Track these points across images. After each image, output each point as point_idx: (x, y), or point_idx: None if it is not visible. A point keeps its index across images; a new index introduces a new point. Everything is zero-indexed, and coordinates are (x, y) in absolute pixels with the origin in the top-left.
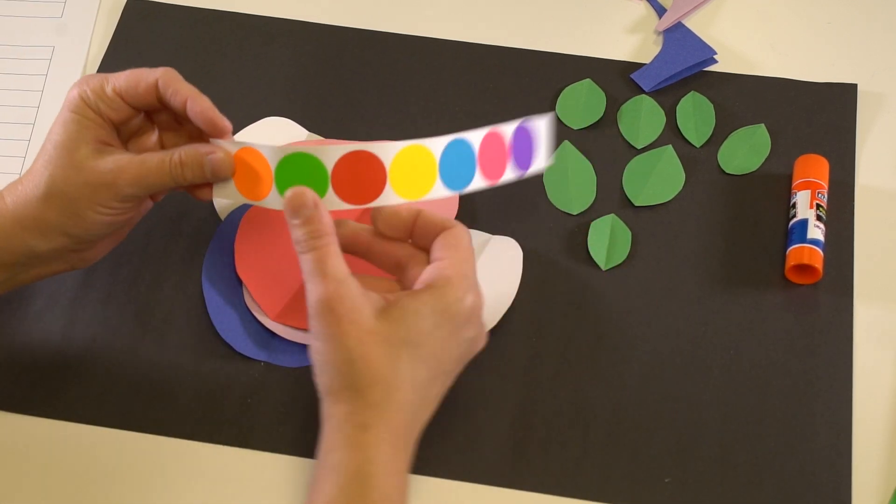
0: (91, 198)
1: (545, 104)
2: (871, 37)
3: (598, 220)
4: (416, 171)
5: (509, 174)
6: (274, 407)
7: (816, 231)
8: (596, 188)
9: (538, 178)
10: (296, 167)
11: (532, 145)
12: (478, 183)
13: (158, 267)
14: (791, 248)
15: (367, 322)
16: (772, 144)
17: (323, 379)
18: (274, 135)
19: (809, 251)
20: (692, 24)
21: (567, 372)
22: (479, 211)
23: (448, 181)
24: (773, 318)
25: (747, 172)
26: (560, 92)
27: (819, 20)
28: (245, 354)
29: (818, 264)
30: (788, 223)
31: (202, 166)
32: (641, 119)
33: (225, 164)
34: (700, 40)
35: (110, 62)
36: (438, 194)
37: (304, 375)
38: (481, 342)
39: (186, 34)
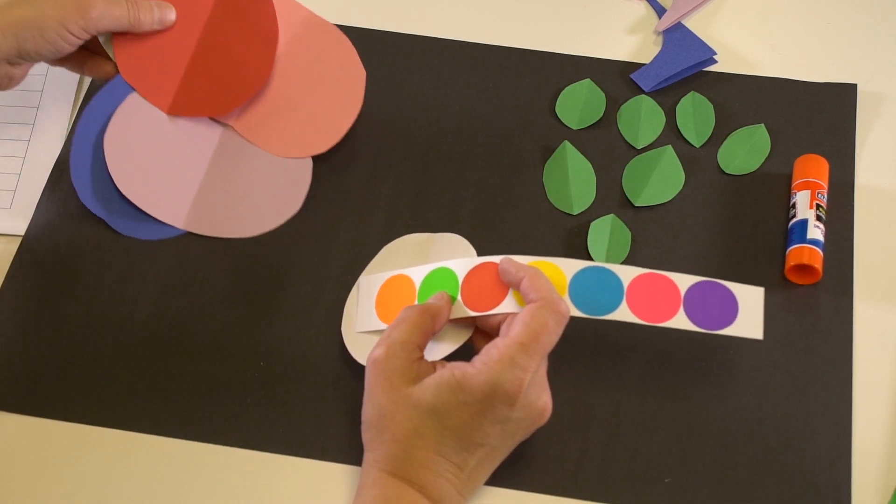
0: (59, 17)
1: (545, 104)
2: (871, 37)
3: (598, 220)
4: None
5: (681, 323)
6: (274, 407)
7: (816, 231)
8: (596, 188)
9: (538, 178)
10: (436, 280)
11: (726, 307)
12: (625, 315)
13: (158, 266)
14: (791, 248)
15: (402, 385)
16: (772, 144)
17: (363, 429)
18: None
19: (809, 251)
20: (692, 24)
21: (567, 372)
22: (478, 211)
23: (580, 304)
24: (773, 318)
25: (747, 172)
26: (560, 92)
27: (819, 20)
28: (85, 205)
29: (818, 264)
30: (788, 223)
31: (151, 10)
32: (641, 119)
33: (168, 16)
34: (700, 40)
35: None
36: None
37: (304, 376)
38: (535, 420)
39: None
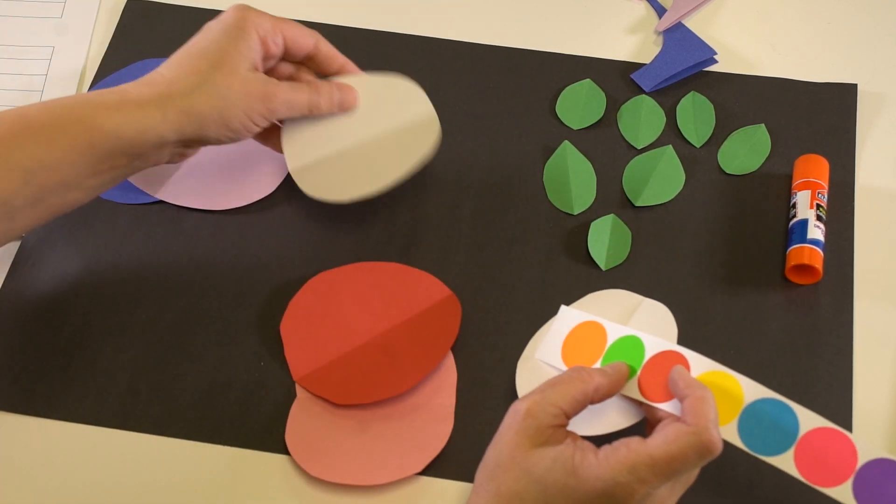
0: (245, 106)
1: (545, 104)
2: (871, 37)
3: (598, 220)
4: (716, 398)
5: (842, 497)
6: (274, 407)
7: (816, 231)
8: (596, 188)
9: (538, 178)
10: (625, 347)
11: None
12: (786, 465)
13: (158, 267)
14: (791, 248)
15: (527, 446)
16: (772, 144)
17: (479, 467)
18: (399, 98)
19: (809, 251)
20: (692, 24)
21: None
22: (478, 211)
23: (746, 434)
24: (773, 318)
25: (747, 172)
26: (560, 92)
27: (819, 20)
28: None
29: (818, 264)
30: (788, 223)
31: (332, 101)
32: (641, 119)
33: (351, 99)
34: (700, 40)
35: (110, 62)
36: (728, 437)
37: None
38: None
39: (186, 34)
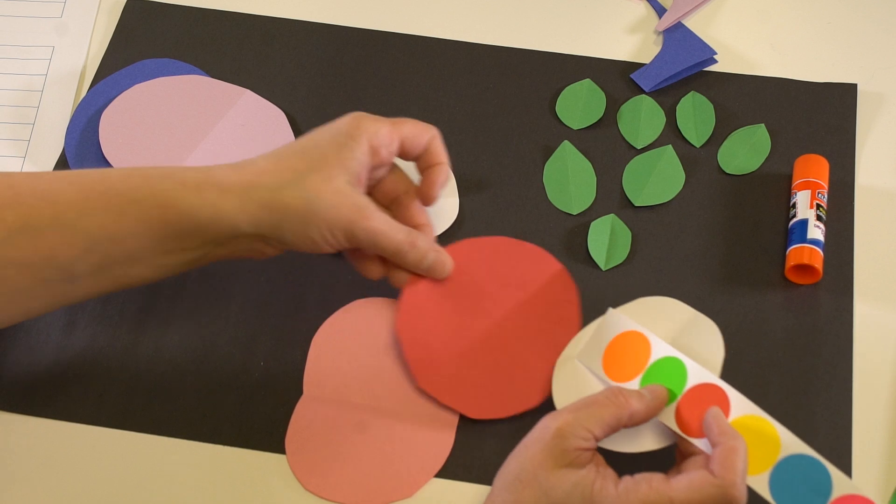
0: (327, 217)
1: (545, 104)
2: (871, 37)
3: (598, 220)
4: (752, 446)
5: None
6: (274, 407)
7: (816, 231)
8: (596, 188)
9: (538, 178)
10: (667, 369)
11: None
12: None
13: None
14: (791, 248)
15: (551, 466)
16: (772, 144)
17: (498, 473)
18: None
19: (809, 251)
20: (692, 24)
21: None
22: (478, 211)
23: (776, 488)
24: (773, 318)
25: (747, 172)
26: (560, 92)
27: (819, 20)
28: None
29: (818, 264)
30: (788, 223)
31: (423, 259)
32: (641, 119)
33: (440, 268)
34: (700, 40)
35: (110, 62)
36: (758, 488)
37: (302, 376)
38: None
39: (186, 34)
